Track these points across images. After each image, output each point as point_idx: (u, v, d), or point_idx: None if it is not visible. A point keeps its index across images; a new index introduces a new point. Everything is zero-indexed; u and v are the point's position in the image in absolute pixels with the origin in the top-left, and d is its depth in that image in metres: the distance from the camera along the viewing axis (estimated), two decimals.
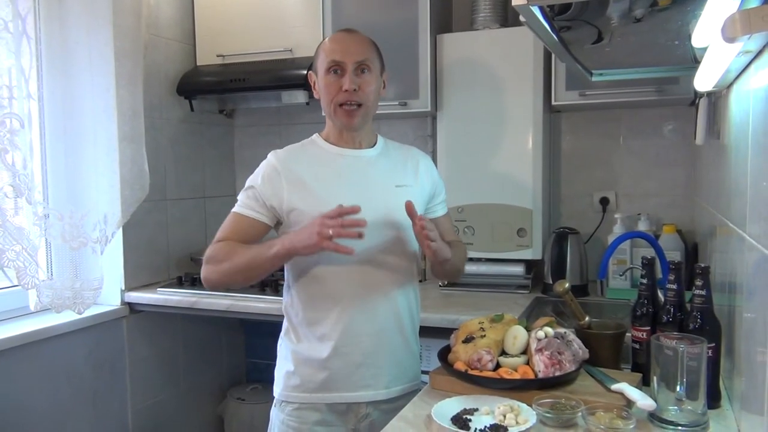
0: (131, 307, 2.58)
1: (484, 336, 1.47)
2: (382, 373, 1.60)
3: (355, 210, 1.45)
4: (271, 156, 1.64)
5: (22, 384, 2.17)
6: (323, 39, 1.71)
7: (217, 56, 2.84)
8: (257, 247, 1.55)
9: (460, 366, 1.42)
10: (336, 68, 1.57)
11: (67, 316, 2.30)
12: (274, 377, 1.69)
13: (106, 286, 2.43)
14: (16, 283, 2.12)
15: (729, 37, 0.83)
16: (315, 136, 1.70)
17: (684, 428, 1.20)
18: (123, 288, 2.57)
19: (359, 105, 1.58)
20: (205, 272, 1.59)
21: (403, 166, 1.69)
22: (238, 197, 1.64)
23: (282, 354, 1.67)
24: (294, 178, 1.58)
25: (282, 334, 1.68)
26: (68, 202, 2.26)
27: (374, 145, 1.69)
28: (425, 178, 1.71)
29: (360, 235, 1.44)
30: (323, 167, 1.62)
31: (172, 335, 2.79)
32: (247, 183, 1.63)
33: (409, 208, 1.50)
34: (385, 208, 1.59)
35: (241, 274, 1.56)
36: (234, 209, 1.62)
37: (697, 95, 1.87)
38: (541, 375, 1.36)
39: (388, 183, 1.64)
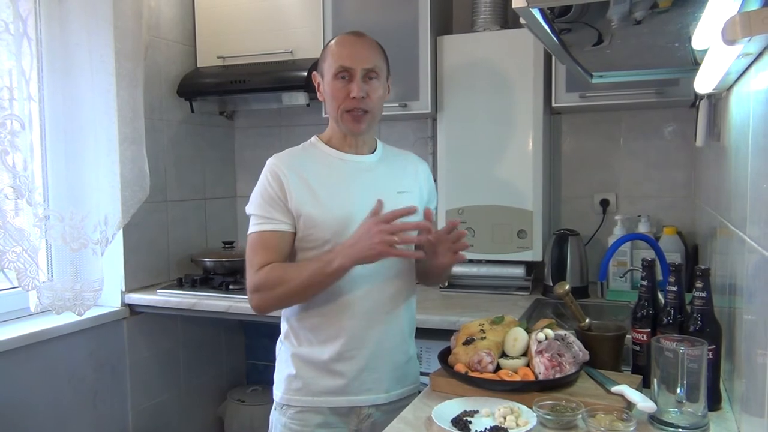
0: (131, 309, 2.58)
1: (485, 338, 1.47)
2: (384, 377, 1.60)
3: (410, 211, 1.47)
4: (274, 159, 1.59)
5: (22, 385, 2.17)
6: (326, 40, 1.71)
7: (218, 58, 2.85)
8: (311, 266, 1.50)
9: (460, 368, 1.42)
10: (344, 74, 1.55)
11: (68, 318, 2.30)
12: (273, 379, 1.68)
13: (107, 288, 2.43)
14: (17, 285, 2.11)
15: (729, 39, 0.83)
16: (314, 138, 1.67)
17: (684, 430, 1.20)
18: (123, 289, 2.57)
19: (366, 111, 1.57)
20: (257, 301, 1.54)
21: (404, 172, 1.69)
22: (252, 212, 1.57)
23: (282, 357, 1.66)
24: (299, 182, 1.55)
25: (281, 337, 1.67)
26: (69, 203, 2.26)
27: (374, 149, 1.68)
28: (423, 185, 1.71)
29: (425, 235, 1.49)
30: (326, 172, 1.60)
31: (173, 336, 2.79)
32: (258, 192, 1.57)
33: (428, 216, 1.53)
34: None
35: (299, 296, 1.54)
36: (254, 229, 1.55)
37: (698, 97, 1.87)
38: (541, 377, 1.36)
39: (391, 189, 1.62)
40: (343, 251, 1.46)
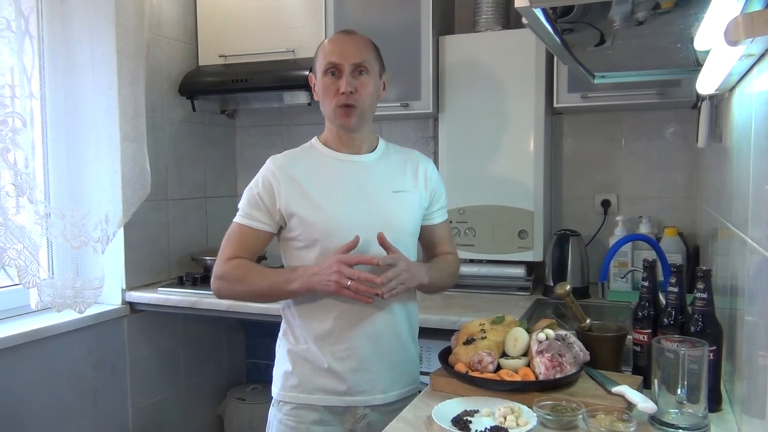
0: (132, 307, 2.58)
1: (485, 338, 1.47)
2: (379, 378, 1.60)
3: (371, 262, 1.49)
4: (269, 162, 1.63)
5: (22, 383, 2.17)
6: (324, 40, 1.71)
7: (220, 56, 2.84)
8: (274, 277, 1.58)
9: (460, 367, 1.42)
10: (333, 70, 1.57)
11: (68, 315, 2.30)
12: (272, 377, 1.69)
13: (107, 286, 2.44)
14: (17, 282, 2.12)
15: (732, 40, 0.83)
16: (314, 140, 1.69)
17: (684, 431, 1.20)
18: (124, 287, 2.57)
19: (355, 106, 1.57)
20: (217, 287, 1.63)
21: (402, 170, 1.68)
22: (239, 205, 1.64)
23: (280, 354, 1.67)
24: (292, 184, 1.58)
25: (280, 334, 1.68)
26: (70, 201, 2.26)
27: (375, 148, 1.68)
28: (424, 183, 1.69)
29: (376, 297, 1.49)
30: (321, 173, 1.61)
31: (173, 335, 2.79)
32: (247, 190, 1.63)
33: (381, 240, 1.53)
34: (383, 214, 1.59)
35: (256, 299, 1.67)
36: (236, 219, 1.62)
37: (699, 98, 1.87)
38: (541, 377, 1.36)
39: (386, 188, 1.63)
40: (304, 276, 1.52)
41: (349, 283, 1.46)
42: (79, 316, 2.32)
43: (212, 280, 1.63)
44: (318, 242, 1.56)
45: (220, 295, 1.66)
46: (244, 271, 1.59)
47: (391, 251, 1.54)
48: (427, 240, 1.75)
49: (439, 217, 1.76)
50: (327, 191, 1.59)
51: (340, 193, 1.59)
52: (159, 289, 2.59)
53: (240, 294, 1.65)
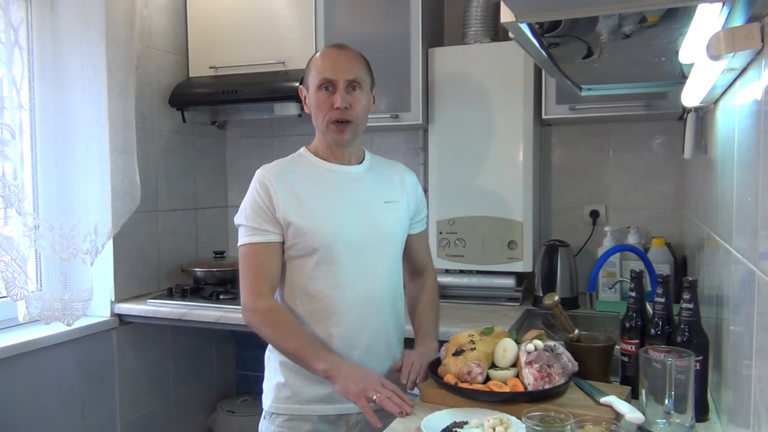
0: (121, 319, 2.57)
1: (474, 349, 1.47)
2: None
3: (406, 406, 1.42)
4: (261, 171, 1.62)
5: (10, 395, 2.15)
6: (315, 52, 1.72)
7: (210, 68, 2.85)
8: (304, 345, 1.52)
9: (450, 379, 1.43)
10: (327, 85, 1.58)
11: (56, 328, 2.28)
12: (263, 388, 1.68)
13: (96, 298, 2.42)
14: (5, 294, 2.10)
15: (714, 54, 0.85)
16: (302, 149, 1.70)
17: None
18: (113, 299, 2.55)
19: (349, 122, 1.59)
20: (248, 318, 1.58)
21: (390, 181, 1.71)
22: (241, 222, 1.59)
23: (271, 366, 1.67)
24: (288, 192, 1.58)
25: (270, 346, 1.67)
26: (58, 212, 2.25)
27: (362, 160, 1.70)
28: (411, 195, 1.73)
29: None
30: (314, 182, 1.62)
31: (162, 347, 2.77)
32: (249, 201, 1.59)
33: (397, 368, 1.57)
34: (375, 224, 1.62)
35: (279, 350, 1.58)
36: (245, 241, 1.58)
37: (685, 110, 1.89)
38: (530, 388, 1.36)
39: (378, 199, 1.66)
40: (338, 368, 1.48)
41: (375, 396, 1.41)
42: (67, 328, 2.31)
43: (243, 308, 1.57)
44: (317, 252, 1.56)
45: (250, 326, 1.59)
46: (277, 318, 1.55)
47: (404, 361, 1.57)
48: (407, 249, 1.77)
49: (419, 227, 1.80)
50: (322, 200, 1.60)
51: (336, 203, 1.60)
52: (148, 300, 2.57)
53: (266, 337, 1.58)
